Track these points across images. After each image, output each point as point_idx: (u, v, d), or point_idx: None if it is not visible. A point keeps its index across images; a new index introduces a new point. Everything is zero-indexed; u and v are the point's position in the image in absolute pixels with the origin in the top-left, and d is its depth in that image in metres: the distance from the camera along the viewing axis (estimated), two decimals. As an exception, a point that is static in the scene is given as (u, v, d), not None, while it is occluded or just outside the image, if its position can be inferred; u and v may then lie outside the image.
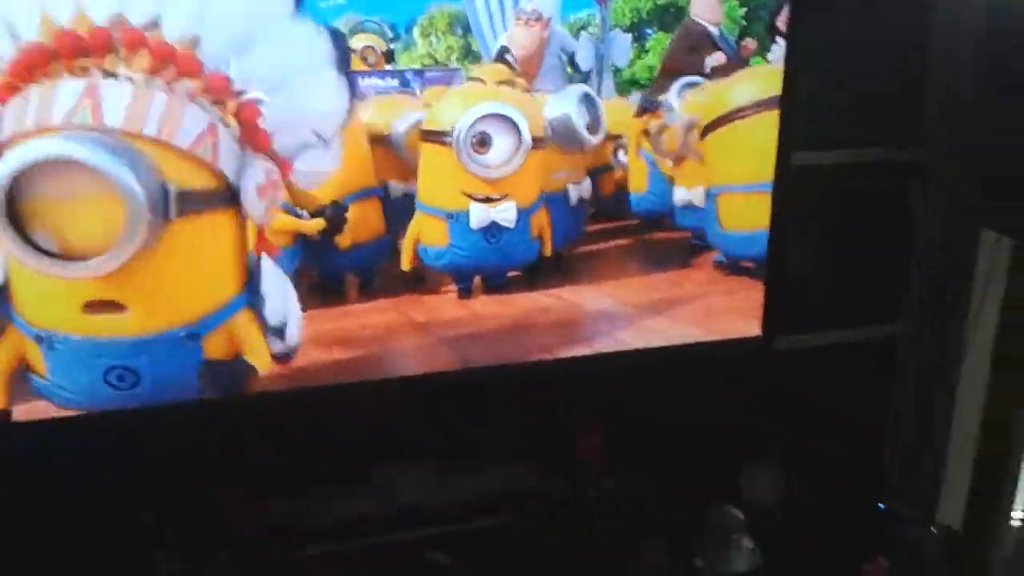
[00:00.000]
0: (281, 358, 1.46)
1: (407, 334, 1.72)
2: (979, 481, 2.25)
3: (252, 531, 1.64)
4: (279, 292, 1.43)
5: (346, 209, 1.56)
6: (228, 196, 1.28)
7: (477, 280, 1.78)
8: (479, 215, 1.75)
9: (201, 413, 1.51)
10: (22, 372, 1.30)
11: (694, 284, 1.89)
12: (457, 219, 1.74)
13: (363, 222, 1.66)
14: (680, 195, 1.85)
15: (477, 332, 1.76)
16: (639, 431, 1.87)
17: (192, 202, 1.25)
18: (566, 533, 1.74)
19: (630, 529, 1.72)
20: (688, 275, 1.89)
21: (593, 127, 1.75)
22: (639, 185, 1.88)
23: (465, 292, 1.78)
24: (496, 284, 1.79)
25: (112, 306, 1.24)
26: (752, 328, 1.89)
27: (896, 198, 2.03)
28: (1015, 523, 2.33)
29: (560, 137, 1.73)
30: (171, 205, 1.22)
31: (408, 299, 1.74)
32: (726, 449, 1.94)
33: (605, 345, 1.81)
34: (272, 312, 1.41)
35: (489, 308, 1.78)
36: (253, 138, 1.28)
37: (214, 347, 1.35)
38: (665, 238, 1.87)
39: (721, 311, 1.89)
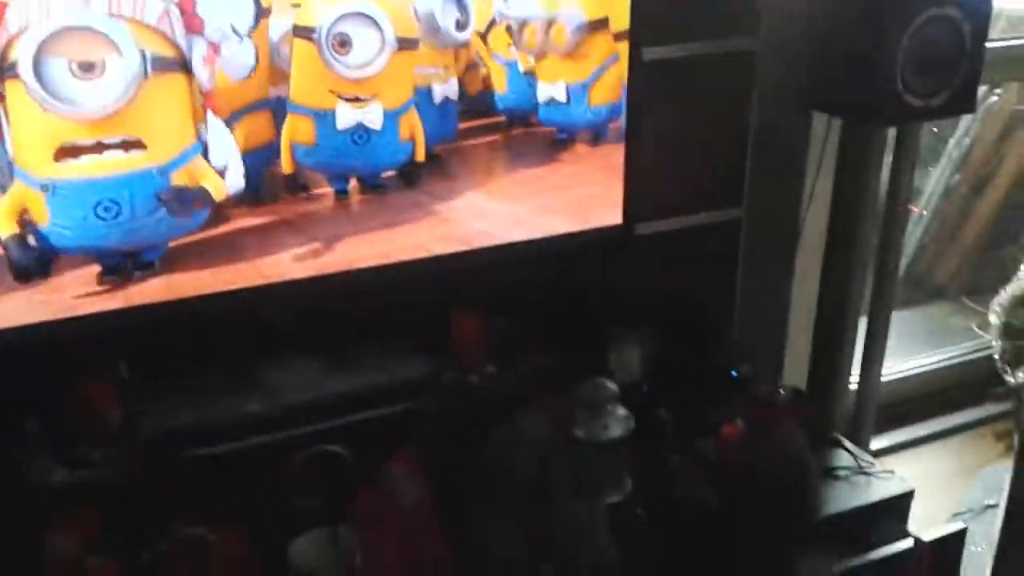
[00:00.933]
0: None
1: (288, 237, 1.75)
2: (819, 346, 2.49)
3: (145, 434, 1.66)
4: (222, 142, 1.66)
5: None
6: (182, 63, 1.59)
7: (354, 182, 1.82)
8: (345, 116, 1.77)
9: (99, 322, 1.57)
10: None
11: (560, 177, 1.99)
12: (324, 118, 1.75)
13: (256, 132, 1.71)
14: (544, 91, 1.93)
15: (355, 232, 1.81)
16: (516, 317, 1.98)
17: (160, 65, 1.56)
18: (453, 416, 1.84)
19: (513, 408, 1.83)
20: (555, 169, 1.99)
21: (462, 24, 1.79)
22: (500, 85, 1.95)
23: (341, 193, 1.82)
24: (371, 185, 1.84)
25: (104, 147, 1.55)
26: (615, 217, 2.02)
27: (736, 87, 2.17)
28: (851, 386, 2.61)
29: (427, 35, 1.76)
30: (148, 65, 1.54)
31: (290, 202, 1.77)
32: (596, 328, 2.08)
33: (479, 240, 1.90)
34: (216, 157, 1.66)
35: (367, 208, 1.83)
36: (191, 22, 1.59)
37: (179, 181, 1.63)
38: (532, 133, 1.96)
39: (586, 202, 2.00)
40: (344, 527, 1.69)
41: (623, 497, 1.88)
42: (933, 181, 3.76)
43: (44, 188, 1.53)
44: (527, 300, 1.98)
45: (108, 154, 1.55)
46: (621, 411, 1.90)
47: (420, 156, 1.84)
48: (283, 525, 1.68)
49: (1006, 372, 2.23)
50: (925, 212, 3.77)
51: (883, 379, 2.90)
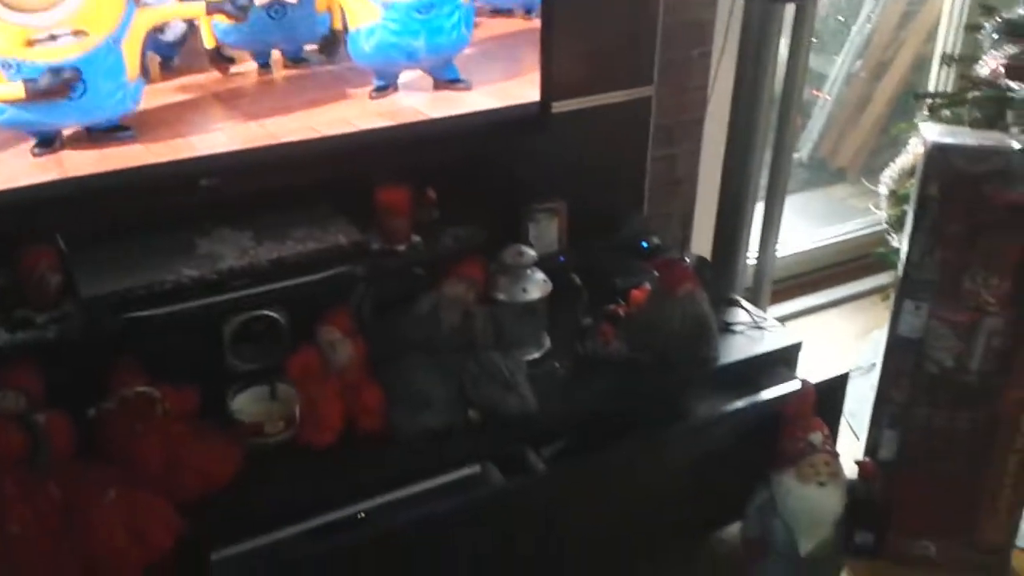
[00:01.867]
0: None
1: (216, 110, 1.81)
2: (722, 220, 2.65)
3: (85, 298, 1.73)
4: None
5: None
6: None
7: (277, 55, 1.87)
8: (259, -11, 1.80)
9: (35, 192, 1.61)
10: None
11: (484, 58, 2.06)
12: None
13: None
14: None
15: (282, 107, 1.87)
16: (441, 190, 2.08)
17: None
18: (382, 282, 1.95)
19: (439, 274, 1.95)
20: (479, 49, 2.05)
21: None
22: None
23: (264, 68, 1.87)
24: (294, 58, 1.89)
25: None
26: (533, 94, 2.11)
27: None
28: (751, 261, 2.79)
29: None
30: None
31: (214, 76, 1.82)
32: (516, 202, 2.20)
33: (404, 116, 1.98)
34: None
35: (293, 84, 1.89)
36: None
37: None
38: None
39: (507, 81, 2.08)
40: (282, 384, 1.81)
41: (542, 354, 2.04)
42: (837, 67, 3.93)
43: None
44: (451, 175, 2.08)
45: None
46: (539, 275, 2.03)
47: (336, 23, 1.88)
48: (223, 384, 1.80)
49: (891, 236, 2.44)
50: (828, 97, 3.95)
51: (788, 253, 3.12)
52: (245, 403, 1.79)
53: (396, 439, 1.78)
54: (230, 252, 1.86)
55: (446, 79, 1.98)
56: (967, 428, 2.00)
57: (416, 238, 2.03)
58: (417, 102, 1.98)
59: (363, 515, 1.71)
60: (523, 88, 2.07)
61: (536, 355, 2.03)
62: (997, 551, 2.09)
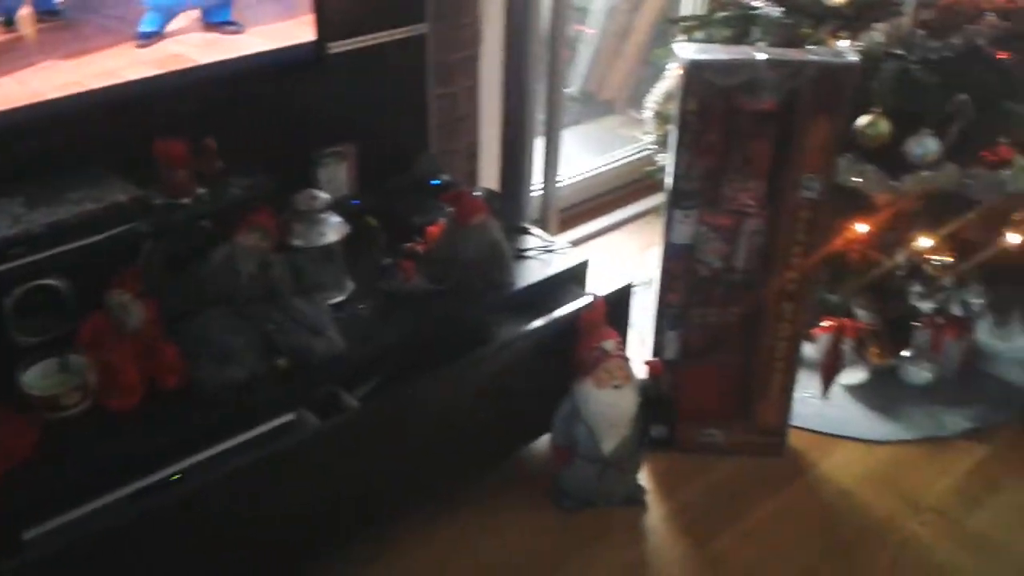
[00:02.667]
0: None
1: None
2: (507, 154, 2.75)
3: None
4: None
5: None
6: None
7: (28, 10, 1.75)
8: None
9: None
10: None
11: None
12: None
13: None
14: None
15: (41, 62, 1.75)
16: (225, 140, 2.03)
17: None
18: (169, 238, 1.90)
19: (230, 226, 1.91)
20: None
21: None
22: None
23: (8, 23, 1.74)
24: (46, 11, 1.77)
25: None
26: (308, 34, 2.09)
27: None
28: (536, 191, 2.91)
29: None
30: None
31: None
32: (302, 147, 2.18)
33: (174, 63, 1.91)
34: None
35: (51, 37, 1.77)
36: None
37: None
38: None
39: (282, 22, 2.04)
40: (74, 355, 1.73)
41: (346, 296, 2.06)
42: (598, 0, 4.09)
43: None
44: (233, 123, 2.04)
45: None
46: (335, 218, 2.04)
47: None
48: (12, 361, 1.70)
49: (657, 155, 2.61)
50: (592, 31, 4.11)
51: (570, 182, 3.27)
52: (35, 378, 1.70)
53: (202, 395, 1.76)
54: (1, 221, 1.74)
55: (217, 22, 1.92)
56: (738, 322, 2.21)
57: (201, 190, 1.98)
58: (186, 49, 1.92)
59: (179, 476, 1.69)
60: (299, 29, 2.04)
61: (340, 298, 2.04)
62: (775, 431, 2.33)
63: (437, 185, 2.40)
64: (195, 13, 1.91)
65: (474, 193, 2.28)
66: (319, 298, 1.96)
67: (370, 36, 2.28)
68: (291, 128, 2.17)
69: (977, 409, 2.46)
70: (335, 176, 2.23)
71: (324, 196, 2.03)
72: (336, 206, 2.08)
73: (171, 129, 1.92)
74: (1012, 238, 2.21)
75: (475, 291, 2.09)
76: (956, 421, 2.42)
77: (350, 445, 1.82)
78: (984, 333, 2.60)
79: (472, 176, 2.70)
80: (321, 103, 2.20)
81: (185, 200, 1.94)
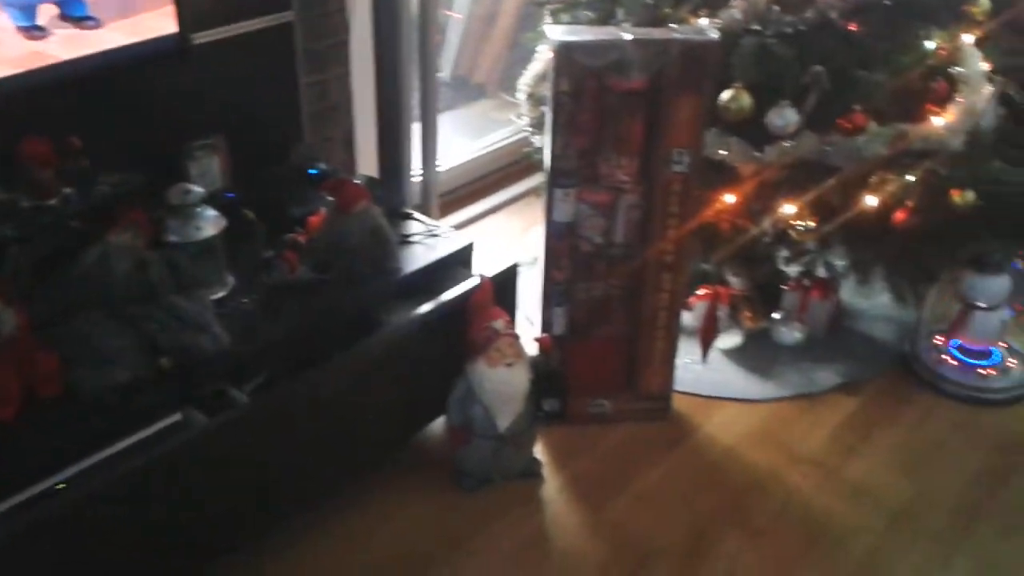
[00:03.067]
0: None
1: None
2: (383, 141, 2.73)
3: None
4: None
5: None
6: None
7: None
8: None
9: None
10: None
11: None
12: None
13: None
14: None
15: None
16: (90, 138, 1.95)
17: None
18: (38, 241, 1.82)
19: (101, 225, 1.84)
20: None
21: None
22: None
23: None
24: None
25: None
26: (169, 26, 2.03)
27: None
28: (415, 177, 2.91)
29: None
30: None
31: None
32: (171, 141, 2.12)
33: (30, 61, 1.82)
34: None
35: None
36: None
37: None
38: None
39: (141, 14, 1.98)
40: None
41: (228, 291, 2.02)
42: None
43: None
44: (99, 120, 1.96)
45: None
46: (210, 212, 2.00)
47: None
48: None
49: (534, 137, 2.65)
50: (460, 16, 4.12)
51: (448, 167, 3.28)
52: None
53: (83, 400, 1.70)
54: None
55: (74, 16, 1.85)
56: (620, 295, 2.28)
57: (67, 190, 1.90)
58: (46, 46, 1.83)
59: (64, 485, 1.63)
60: (161, 21, 1.98)
61: (222, 293, 2.00)
62: (660, 397, 2.41)
63: (315, 174, 2.36)
64: (53, 10, 1.83)
65: (354, 181, 2.27)
66: (200, 294, 1.91)
67: (236, 25, 2.23)
68: (159, 122, 2.11)
69: (846, 365, 2.60)
70: (207, 169, 2.18)
71: (197, 190, 1.98)
72: (210, 200, 2.03)
73: (34, 129, 1.83)
74: (870, 201, 2.34)
75: (361, 279, 2.08)
76: (827, 377, 2.56)
77: (242, 441, 1.79)
78: (848, 293, 2.76)
79: (350, 164, 2.68)
80: (189, 95, 2.14)
81: (52, 201, 1.86)
